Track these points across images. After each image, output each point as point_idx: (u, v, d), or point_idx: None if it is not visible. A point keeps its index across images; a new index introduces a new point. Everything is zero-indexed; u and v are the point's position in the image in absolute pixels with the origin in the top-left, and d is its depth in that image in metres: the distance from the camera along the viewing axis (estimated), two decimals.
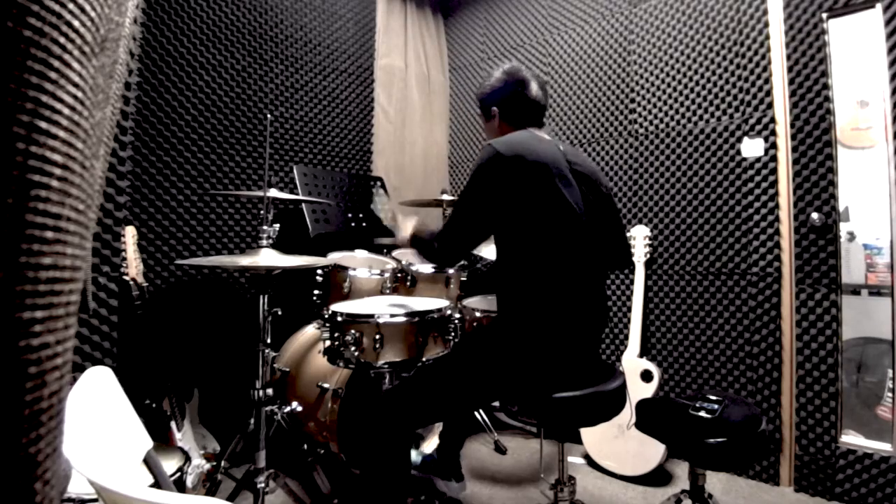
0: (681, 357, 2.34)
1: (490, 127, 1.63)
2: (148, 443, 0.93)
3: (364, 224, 2.60)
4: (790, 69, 2.02)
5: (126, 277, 1.72)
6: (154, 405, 1.78)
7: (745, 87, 2.15)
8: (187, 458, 1.57)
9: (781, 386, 2.05)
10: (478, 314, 1.98)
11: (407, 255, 2.42)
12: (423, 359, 1.68)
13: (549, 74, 2.86)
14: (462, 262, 1.52)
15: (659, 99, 2.42)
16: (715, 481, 2.09)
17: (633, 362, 2.20)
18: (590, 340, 1.48)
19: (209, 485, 1.80)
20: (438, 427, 2.14)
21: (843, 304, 1.93)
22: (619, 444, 2.13)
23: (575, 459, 2.28)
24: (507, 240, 1.41)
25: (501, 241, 1.42)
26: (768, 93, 2.08)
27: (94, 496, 1.03)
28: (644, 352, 2.34)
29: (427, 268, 2.15)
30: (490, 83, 1.60)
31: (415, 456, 1.90)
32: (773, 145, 2.07)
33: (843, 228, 1.94)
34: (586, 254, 1.43)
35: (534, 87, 1.56)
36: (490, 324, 1.56)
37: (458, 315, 1.83)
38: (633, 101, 2.51)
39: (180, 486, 1.47)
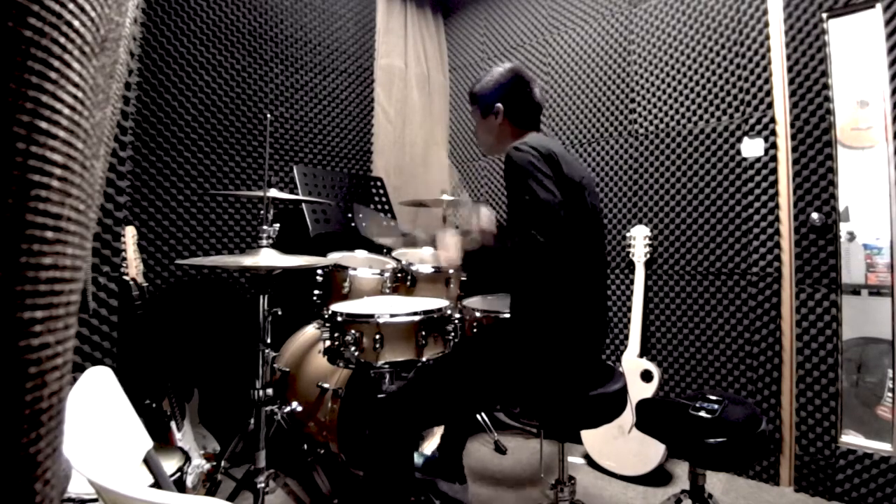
0: (681, 357, 2.33)
1: (487, 125, 1.55)
2: (148, 443, 0.93)
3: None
4: (790, 69, 2.02)
5: (126, 277, 1.72)
6: (154, 405, 1.78)
7: (745, 87, 2.15)
8: (187, 458, 1.57)
9: (781, 386, 2.05)
10: (478, 314, 1.98)
11: (408, 255, 2.42)
12: (423, 359, 1.68)
13: (549, 74, 2.86)
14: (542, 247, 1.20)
15: (659, 99, 2.42)
16: (715, 481, 2.09)
17: (633, 362, 2.20)
18: (599, 343, 1.50)
19: (209, 485, 1.80)
20: (439, 429, 2.14)
21: (843, 304, 1.93)
22: (620, 444, 2.13)
23: (575, 459, 2.28)
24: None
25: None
26: (768, 93, 2.08)
27: (94, 496, 1.03)
28: (644, 352, 2.34)
29: (427, 268, 2.15)
30: (493, 78, 1.53)
31: (417, 457, 1.90)
32: (773, 145, 2.07)
33: (843, 228, 1.94)
34: (597, 258, 1.44)
35: (536, 89, 1.55)
36: (501, 325, 1.54)
37: (458, 315, 1.83)
38: (633, 101, 2.51)
39: (180, 486, 1.47)
